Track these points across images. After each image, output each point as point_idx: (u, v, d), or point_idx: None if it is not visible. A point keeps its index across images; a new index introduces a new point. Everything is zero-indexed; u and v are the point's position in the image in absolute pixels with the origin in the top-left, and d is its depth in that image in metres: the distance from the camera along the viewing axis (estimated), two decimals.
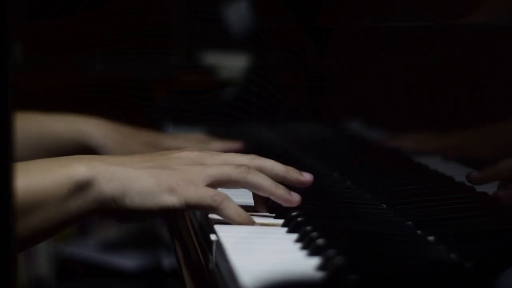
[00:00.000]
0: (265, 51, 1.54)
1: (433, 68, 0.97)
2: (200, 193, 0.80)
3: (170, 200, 0.80)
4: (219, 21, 1.66)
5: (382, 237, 0.76)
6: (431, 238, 0.76)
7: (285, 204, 0.82)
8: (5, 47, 0.49)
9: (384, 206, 0.89)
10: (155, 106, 1.77)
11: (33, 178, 0.79)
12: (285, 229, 0.79)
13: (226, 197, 0.80)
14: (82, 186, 0.79)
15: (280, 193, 0.82)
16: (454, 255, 0.70)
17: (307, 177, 0.85)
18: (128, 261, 2.24)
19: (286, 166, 0.85)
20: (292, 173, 0.85)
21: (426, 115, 0.99)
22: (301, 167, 1.18)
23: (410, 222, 0.81)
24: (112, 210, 0.81)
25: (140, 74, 1.88)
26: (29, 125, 1.24)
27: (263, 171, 0.83)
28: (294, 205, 0.82)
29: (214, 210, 0.80)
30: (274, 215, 0.86)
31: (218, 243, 0.74)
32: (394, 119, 1.08)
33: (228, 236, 0.75)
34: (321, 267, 0.65)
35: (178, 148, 1.19)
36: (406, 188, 0.95)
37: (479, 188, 0.85)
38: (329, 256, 0.65)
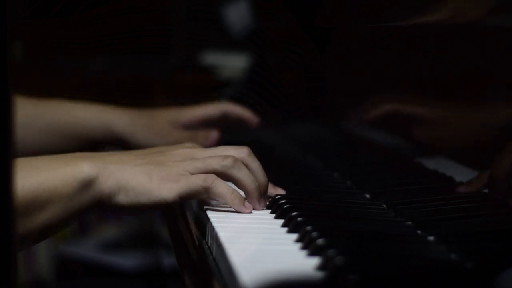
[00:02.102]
0: (265, 51, 1.54)
1: (433, 68, 0.97)
2: (190, 180, 0.85)
3: (161, 194, 0.84)
4: (219, 21, 1.66)
5: (382, 237, 0.76)
6: (431, 238, 0.76)
7: (238, 210, 0.86)
8: (5, 47, 0.49)
9: (384, 206, 0.89)
10: (155, 106, 1.77)
11: (42, 176, 0.83)
12: (285, 229, 0.79)
13: (217, 178, 0.85)
14: (86, 184, 0.84)
15: (254, 198, 0.86)
16: (454, 255, 0.70)
17: (246, 209, 0.86)
18: (128, 261, 2.24)
19: (265, 179, 0.88)
20: (256, 194, 0.87)
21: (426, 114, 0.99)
22: (301, 167, 1.19)
23: (410, 222, 0.81)
24: (108, 206, 0.85)
25: (140, 74, 1.88)
26: (55, 112, 1.29)
27: (248, 168, 0.88)
28: (244, 212, 0.86)
29: (207, 190, 0.84)
30: (270, 210, 0.86)
31: (218, 243, 0.74)
32: (394, 119, 1.08)
33: (229, 236, 0.75)
34: (321, 267, 0.65)
35: (199, 121, 1.27)
36: (406, 188, 0.95)
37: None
38: (329, 256, 0.65)
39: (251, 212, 0.86)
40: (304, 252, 0.70)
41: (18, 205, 0.80)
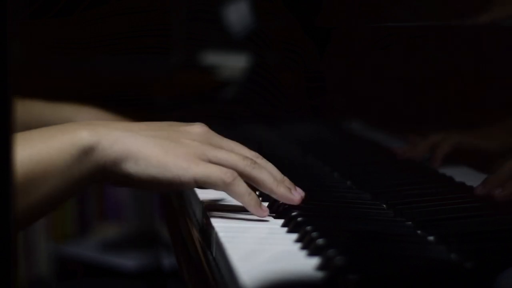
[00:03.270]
0: (265, 51, 1.54)
1: (433, 68, 0.97)
2: (211, 169, 0.79)
3: (177, 171, 0.78)
4: (219, 21, 1.66)
5: (382, 237, 0.76)
6: (431, 238, 0.76)
7: (286, 202, 0.82)
8: (5, 47, 0.49)
9: (384, 206, 0.89)
10: (154, 106, 1.77)
11: (36, 147, 0.77)
12: (285, 229, 0.79)
13: (238, 176, 0.79)
14: (86, 151, 0.78)
15: (281, 192, 0.82)
16: (454, 255, 0.70)
17: (295, 195, 0.82)
18: (128, 261, 2.24)
19: (283, 176, 0.84)
20: (284, 186, 0.83)
21: (426, 115, 0.99)
22: (301, 167, 1.19)
23: (410, 222, 0.81)
24: (113, 173, 0.79)
25: (139, 74, 1.88)
26: (29, 113, 1.22)
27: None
28: (295, 203, 0.82)
29: (226, 185, 0.79)
30: (274, 215, 0.86)
31: (218, 243, 0.74)
32: (394, 119, 1.08)
33: (228, 236, 0.75)
34: (321, 267, 0.65)
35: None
36: (406, 188, 0.95)
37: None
38: (329, 256, 0.65)
39: (266, 215, 0.82)
40: (304, 252, 0.70)
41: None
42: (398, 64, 1.06)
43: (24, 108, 1.25)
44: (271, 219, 0.84)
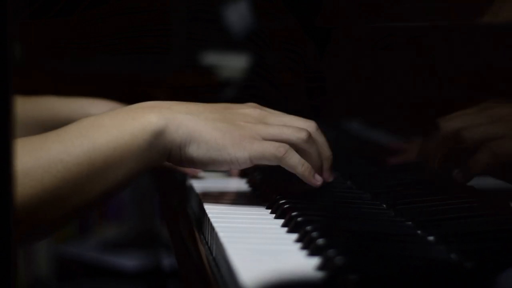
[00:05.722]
0: (265, 51, 1.54)
1: (433, 68, 0.97)
2: (264, 146, 0.84)
3: (234, 153, 0.84)
4: (219, 21, 1.66)
5: (382, 237, 0.76)
6: (431, 238, 0.76)
7: (308, 181, 0.87)
8: (5, 47, 0.49)
9: (384, 206, 0.89)
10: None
11: (112, 134, 0.81)
12: (285, 229, 0.79)
13: (290, 148, 0.84)
14: (157, 136, 0.82)
15: (306, 174, 0.86)
16: (454, 255, 0.70)
17: (317, 179, 0.88)
18: (128, 261, 2.24)
19: (330, 153, 0.89)
20: (328, 164, 0.89)
21: (426, 115, 0.99)
22: None
23: (410, 222, 0.81)
24: (177, 156, 0.84)
25: (139, 74, 1.88)
26: (41, 108, 1.27)
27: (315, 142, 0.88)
28: (314, 185, 0.87)
29: (279, 160, 0.84)
30: (270, 210, 0.86)
31: (218, 243, 0.74)
32: (394, 119, 1.08)
33: (229, 236, 0.75)
34: (321, 267, 0.65)
35: None
36: (406, 188, 0.95)
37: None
38: (329, 256, 0.65)
39: (320, 185, 0.87)
40: (304, 252, 0.70)
41: (93, 166, 0.79)
42: (398, 64, 1.06)
43: (37, 105, 1.27)
44: (271, 219, 0.84)
